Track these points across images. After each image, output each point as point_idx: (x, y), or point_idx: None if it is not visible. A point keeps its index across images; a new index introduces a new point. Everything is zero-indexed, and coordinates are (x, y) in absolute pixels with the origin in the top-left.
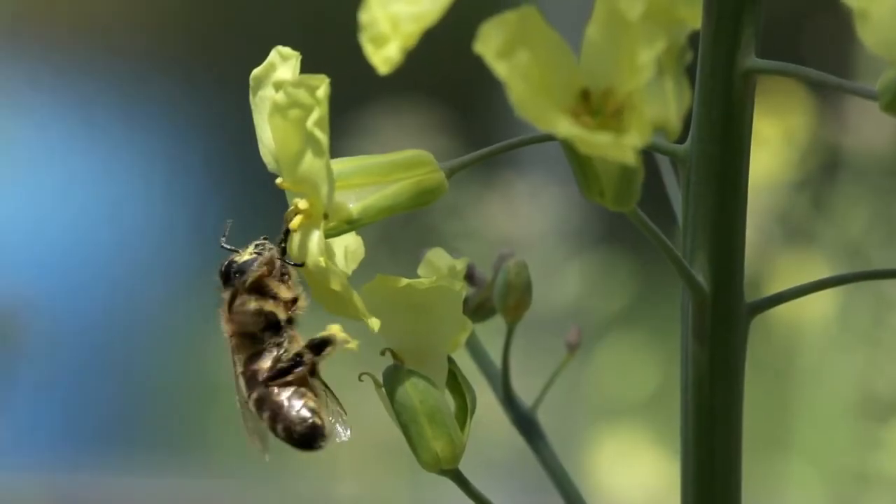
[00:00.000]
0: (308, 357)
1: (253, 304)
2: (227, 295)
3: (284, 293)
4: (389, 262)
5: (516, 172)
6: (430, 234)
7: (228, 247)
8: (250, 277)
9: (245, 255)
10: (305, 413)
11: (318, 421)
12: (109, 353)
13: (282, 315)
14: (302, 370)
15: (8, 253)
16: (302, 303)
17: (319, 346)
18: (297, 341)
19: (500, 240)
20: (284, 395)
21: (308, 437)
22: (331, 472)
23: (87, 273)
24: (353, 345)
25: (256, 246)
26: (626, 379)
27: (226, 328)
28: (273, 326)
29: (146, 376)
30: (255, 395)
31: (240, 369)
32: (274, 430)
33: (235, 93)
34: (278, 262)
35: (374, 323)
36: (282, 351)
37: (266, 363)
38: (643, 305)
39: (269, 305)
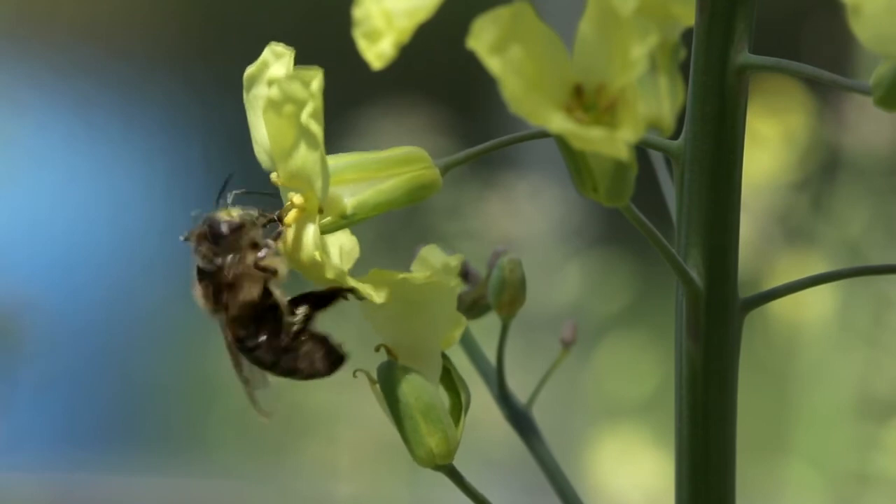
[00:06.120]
0: (315, 315)
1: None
2: (223, 254)
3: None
4: (388, 262)
5: (516, 172)
6: (430, 234)
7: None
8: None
9: (231, 214)
10: (325, 350)
11: (340, 353)
12: (109, 353)
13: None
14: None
15: (8, 253)
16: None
17: (327, 298)
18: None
19: (500, 240)
20: (305, 348)
21: (336, 368)
22: (331, 472)
23: (87, 273)
24: (380, 297)
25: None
26: (625, 379)
27: (214, 297)
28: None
29: (146, 376)
30: (273, 359)
31: (235, 336)
32: (307, 376)
33: (235, 93)
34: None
35: (380, 295)
36: (282, 313)
37: (272, 329)
38: (643, 305)
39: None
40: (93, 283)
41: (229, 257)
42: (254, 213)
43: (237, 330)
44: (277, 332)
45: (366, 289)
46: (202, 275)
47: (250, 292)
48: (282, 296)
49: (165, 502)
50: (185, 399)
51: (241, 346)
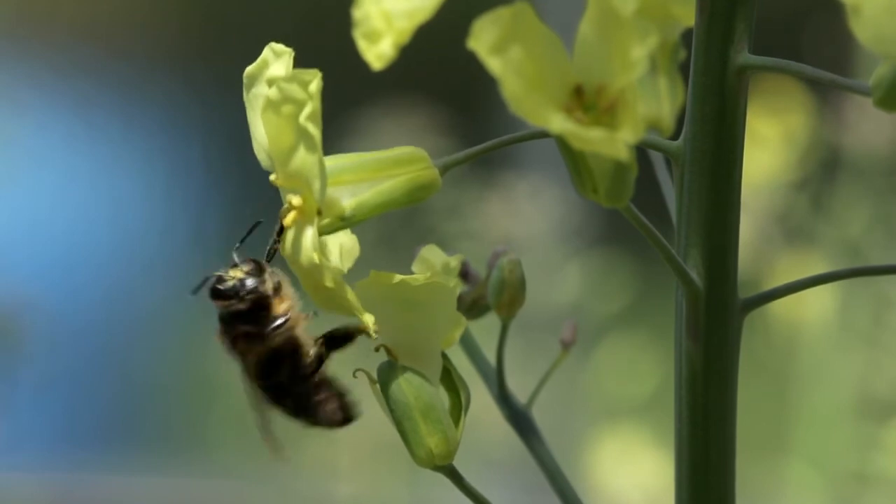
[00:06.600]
0: (326, 355)
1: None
2: (241, 315)
3: (285, 304)
4: (389, 262)
5: (516, 172)
6: (431, 234)
7: (237, 259)
8: (266, 303)
9: (237, 274)
10: (340, 404)
11: (352, 403)
12: (109, 353)
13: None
14: (323, 367)
15: (8, 253)
16: (297, 304)
17: (340, 340)
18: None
19: (500, 240)
20: (322, 395)
21: (349, 420)
22: (331, 472)
23: (87, 273)
24: (373, 329)
25: (249, 263)
26: (625, 379)
27: (237, 347)
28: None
29: (146, 376)
30: (288, 402)
31: (255, 380)
32: (315, 424)
33: (235, 93)
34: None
35: (369, 319)
36: (298, 356)
37: (287, 371)
38: (643, 305)
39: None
40: (93, 283)
41: (247, 318)
42: (262, 264)
43: (259, 373)
44: (298, 372)
45: (359, 311)
46: (224, 321)
47: (272, 343)
48: (306, 339)
49: (165, 502)
50: (185, 399)
51: (263, 386)
